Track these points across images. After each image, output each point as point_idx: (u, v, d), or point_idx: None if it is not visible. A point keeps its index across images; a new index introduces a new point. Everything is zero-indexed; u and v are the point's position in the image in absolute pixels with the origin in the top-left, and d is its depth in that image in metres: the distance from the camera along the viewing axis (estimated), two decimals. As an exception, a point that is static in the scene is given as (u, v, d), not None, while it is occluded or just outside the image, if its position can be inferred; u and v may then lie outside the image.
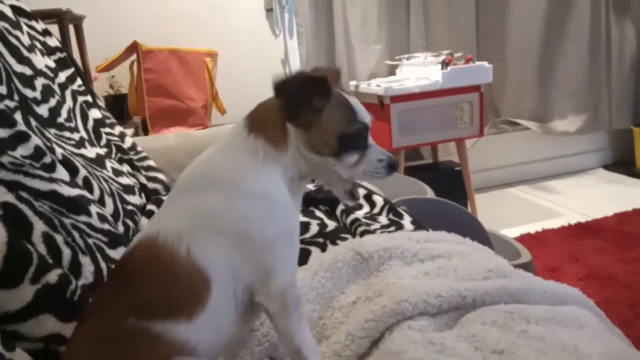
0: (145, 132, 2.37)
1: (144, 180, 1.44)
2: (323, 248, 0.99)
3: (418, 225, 1.16)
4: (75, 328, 0.62)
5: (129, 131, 2.19)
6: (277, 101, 0.66)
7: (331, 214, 1.24)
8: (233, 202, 0.62)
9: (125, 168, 1.40)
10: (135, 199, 1.29)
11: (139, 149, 1.58)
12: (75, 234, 0.83)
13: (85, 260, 0.80)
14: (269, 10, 2.88)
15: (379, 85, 2.54)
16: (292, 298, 0.63)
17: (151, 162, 1.57)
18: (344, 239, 1.03)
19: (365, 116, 0.68)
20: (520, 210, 2.99)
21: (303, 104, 0.65)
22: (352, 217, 1.14)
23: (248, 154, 0.65)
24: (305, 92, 0.64)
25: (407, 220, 1.20)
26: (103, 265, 0.84)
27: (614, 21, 3.35)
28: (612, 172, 3.51)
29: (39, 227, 0.75)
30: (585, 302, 0.83)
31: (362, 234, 1.04)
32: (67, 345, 0.61)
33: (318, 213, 1.22)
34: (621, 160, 3.62)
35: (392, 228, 1.14)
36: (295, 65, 2.94)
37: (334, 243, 1.01)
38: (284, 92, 0.65)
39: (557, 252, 2.34)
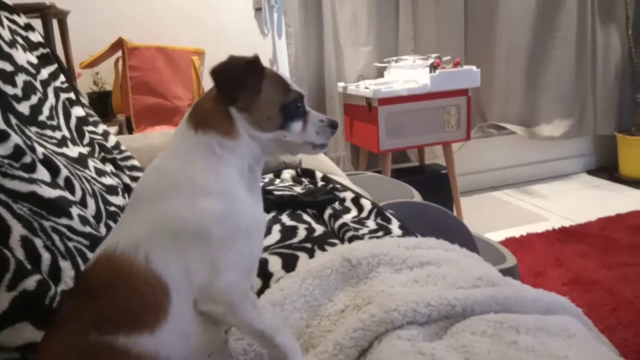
0: (130, 131, 2.33)
1: (127, 180, 1.41)
2: (311, 254, 0.97)
3: (406, 229, 1.16)
4: (42, 338, 0.59)
5: (113, 129, 2.15)
6: (214, 92, 0.68)
7: (319, 218, 1.22)
8: (193, 201, 0.61)
9: (109, 168, 1.37)
10: (119, 200, 1.26)
11: (122, 148, 1.55)
12: (56, 238, 0.80)
13: (65, 264, 0.78)
14: (258, 9, 2.86)
15: (367, 88, 2.53)
16: (237, 292, 0.61)
17: (135, 162, 1.53)
18: (333, 245, 1.01)
19: (296, 86, 0.72)
20: (505, 214, 3.01)
21: (241, 87, 0.66)
22: (340, 221, 1.13)
23: (204, 152, 0.65)
24: (242, 77, 0.66)
25: (395, 225, 1.19)
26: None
27: (600, 28, 3.39)
28: (595, 177, 3.55)
29: (17, 230, 0.72)
30: (574, 311, 0.83)
31: (350, 240, 1.02)
32: (37, 356, 0.59)
33: (306, 217, 1.20)
34: (604, 165, 3.67)
35: (380, 233, 1.13)
36: (284, 66, 2.92)
37: (322, 249, 0.99)
38: (221, 80, 0.66)
39: (542, 257, 2.36)
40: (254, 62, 0.67)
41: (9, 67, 1.10)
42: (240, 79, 0.66)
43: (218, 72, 0.65)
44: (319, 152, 0.74)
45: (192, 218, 0.60)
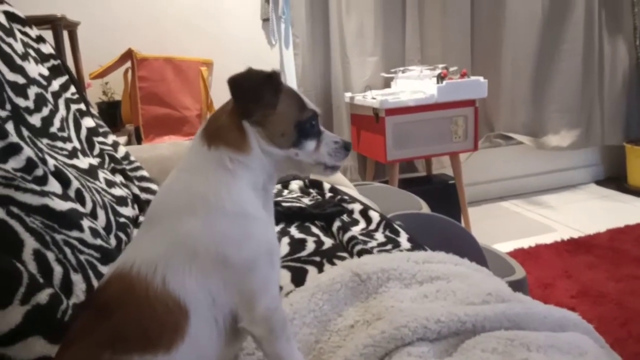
0: (139, 141, 2.34)
1: (136, 191, 1.41)
2: (320, 267, 0.97)
3: (415, 242, 1.15)
4: (56, 355, 0.59)
5: (122, 139, 2.17)
6: (230, 105, 0.68)
7: (327, 230, 1.22)
8: (210, 222, 0.61)
9: (118, 178, 1.38)
10: (128, 211, 1.27)
11: (132, 158, 1.56)
12: (67, 251, 0.81)
13: (76, 277, 0.78)
14: (265, 20, 2.88)
15: (374, 98, 2.54)
16: (278, 320, 0.62)
17: (144, 172, 1.54)
18: (342, 258, 1.01)
19: (312, 104, 0.72)
20: (513, 225, 3.00)
21: (258, 100, 0.66)
22: (348, 234, 1.13)
23: (215, 167, 0.64)
24: (259, 89, 0.66)
25: (403, 238, 1.19)
26: (95, 282, 0.82)
27: (607, 39, 3.39)
28: (603, 187, 3.53)
29: (30, 244, 0.73)
30: (585, 327, 0.82)
31: (359, 253, 1.02)
32: None
33: (314, 229, 1.20)
34: (613, 175, 3.65)
35: (389, 246, 1.13)
36: (291, 76, 2.93)
37: (331, 262, 0.99)
38: (237, 90, 0.66)
39: (550, 268, 2.34)
40: (273, 75, 0.67)
41: (21, 80, 1.11)
42: (258, 92, 0.66)
43: (235, 82, 0.65)
44: (329, 174, 0.73)
45: (210, 241, 0.60)
